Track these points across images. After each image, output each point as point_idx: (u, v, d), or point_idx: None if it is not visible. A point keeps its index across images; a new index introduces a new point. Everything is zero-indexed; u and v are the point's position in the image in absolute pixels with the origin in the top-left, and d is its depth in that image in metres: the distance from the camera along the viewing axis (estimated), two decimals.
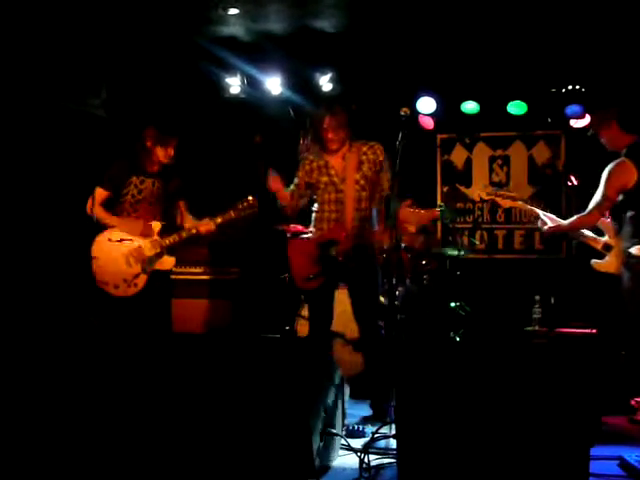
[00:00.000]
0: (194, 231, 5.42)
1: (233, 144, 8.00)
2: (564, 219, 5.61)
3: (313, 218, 5.33)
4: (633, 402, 5.67)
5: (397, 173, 4.74)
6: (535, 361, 3.73)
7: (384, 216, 4.90)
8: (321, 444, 3.92)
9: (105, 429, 3.73)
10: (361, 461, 3.99)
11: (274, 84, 7.79)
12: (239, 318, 7.10)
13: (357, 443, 4.39)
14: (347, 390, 4.41)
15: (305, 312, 6.42)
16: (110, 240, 5.32)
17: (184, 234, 5.41)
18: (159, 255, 5.35)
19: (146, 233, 5.35)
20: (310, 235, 5.31)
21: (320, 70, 7.69)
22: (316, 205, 5.31)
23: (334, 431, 4.08)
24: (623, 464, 4.09)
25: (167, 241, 5.36)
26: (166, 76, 7.73)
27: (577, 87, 7.56)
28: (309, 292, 5.30)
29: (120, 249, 5.29)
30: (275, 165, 7.50)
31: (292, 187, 5.29)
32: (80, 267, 5.50)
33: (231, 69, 7.78)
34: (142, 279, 5.26)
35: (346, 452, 4.28)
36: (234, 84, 7.85)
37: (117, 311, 5.27)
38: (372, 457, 4.09)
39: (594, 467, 3.77)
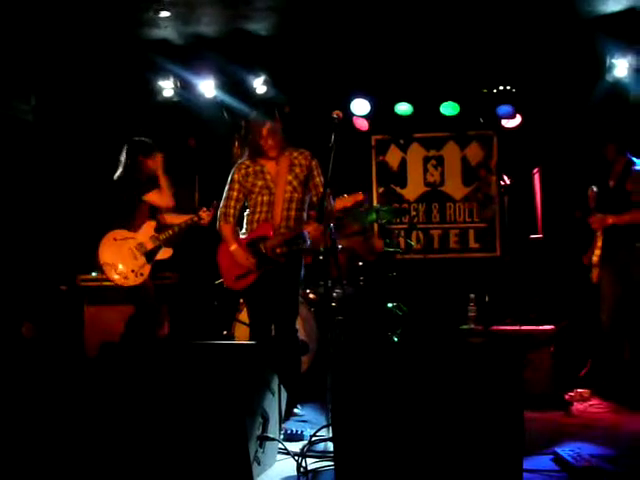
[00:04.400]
0: (183, 225, 6.25)
1: (167, 148, 7.91)
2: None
3: (245, 221, 5.37)
4: (567, 397, 5.80)
5: (330, 175, 4.77)
6: (470, 359, 3.76)
7: (319, 217, 4.92)
8: (259, 449, 3.90)
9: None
10: (299, 465, 3.98)
11: (207, 87, 7.74)
12: (175, 323, 7.04)
13: (295, 447, 4.38)
14: (285, 394, 4.39)
15: (242, 316, 6.40)
16: (115, 239, 6.11)
17: (177, 228, 6.23)
18: (159, 247, 6.16)
19: (144, 231, 6.16)
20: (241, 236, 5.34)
21: (254, 72, 7.67)
22: (248, 209, 5.36)
23: (271, 436, 4.07)
24: (557, 459, 4.16)
25: (163, 235, 6.18)
26: (97, 80, 7.61)
27: (508, 87, 7.67)
28: (243, 293, 5.38)
29: (126, 245, 6.09)
30: (209, 167, 7.51)
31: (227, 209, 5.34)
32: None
33: (164, 72, 7.70)
34: (147, 268, 6.10)
35: (284, 456, 4.27)
36: (167, 87, 7.78)
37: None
38: (310, 460, 4.09)
39: (528, 463, 3.84)
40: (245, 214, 5.38)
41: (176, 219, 6.29)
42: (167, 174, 6.21)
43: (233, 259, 5.22)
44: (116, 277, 6.05)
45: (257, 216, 5.27)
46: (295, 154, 5.31)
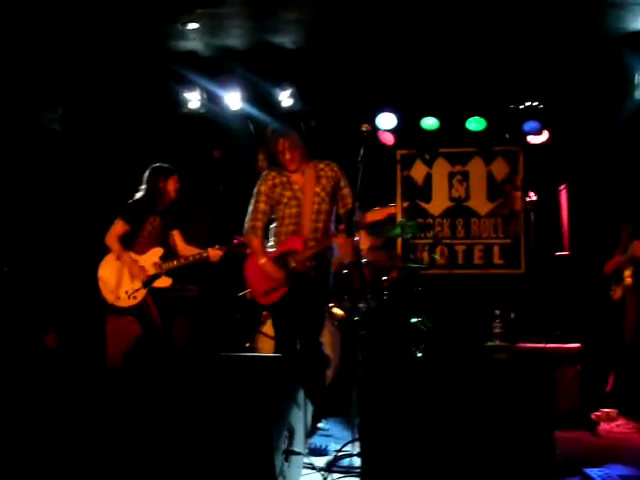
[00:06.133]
0: (191, 259, 6.07)
1: (192, 159, 7.93)
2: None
3: (272, 233, 5.32)
4: (594, 416, 5.72)
5: (359, 189, 4.74)
6: (496, 377, 3.72)
7: (348, 230, 4.89)
8: (284, 463, 3.86)
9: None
10: None
11: (234, 99, 7.74)
12: (197, 336, 7.02)
13: (321, 461, 4.34)
14: (311, 408, 4.35)
15: (266, 329, 6.37)
16: (119, 258, 5.96)
17: (182, 260, 6.06)
18: (158, 275, 6.00)
19: (149, 257, 6.03)
20: (269, 250, 5.27)
21: (280, 86, 7.67)
22: (275, 221, 5.30)
23: (297, 450, 4.03)
24: (586, 479, 4.10)
25: (166, 265, 6.02)
26: (125, 90, 7.64)
27: (535, 103, 7.63)
28: (272, 307, 5.28)
29: (124, 265, 5.95)
30: (234, 179, 7.50)
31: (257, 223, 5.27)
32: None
33: (190, 84, 7.72)
34: (141, 293, 5.94)
35: (309, 471, 4.23)
36: (193, 99, 7.78)
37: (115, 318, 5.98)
38: (336, 476, 4.05)
39: None
40: (272, 226, 5.32)
41: (187, 250, 6.18)
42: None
43: (262, 273, 5.15)
44: (108, 294, 5.95)
45: (285, 229, 5.22)
46: (321, 165, 5.27)
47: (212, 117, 7.98)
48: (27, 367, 6.15)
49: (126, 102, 7.72)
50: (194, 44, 7.14)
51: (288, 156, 5.16)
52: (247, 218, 5.29)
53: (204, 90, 7.80)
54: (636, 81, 7.06)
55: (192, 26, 6.65)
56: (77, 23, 6.51)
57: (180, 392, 3.90)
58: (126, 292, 5.92)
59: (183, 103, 7.82)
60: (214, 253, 6.03)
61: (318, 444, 4.70)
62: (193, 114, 7.89)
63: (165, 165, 6.07)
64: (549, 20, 6.52)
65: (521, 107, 7.71)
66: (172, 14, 6.38)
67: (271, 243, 5.31)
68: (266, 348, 6.32)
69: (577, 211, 7.75)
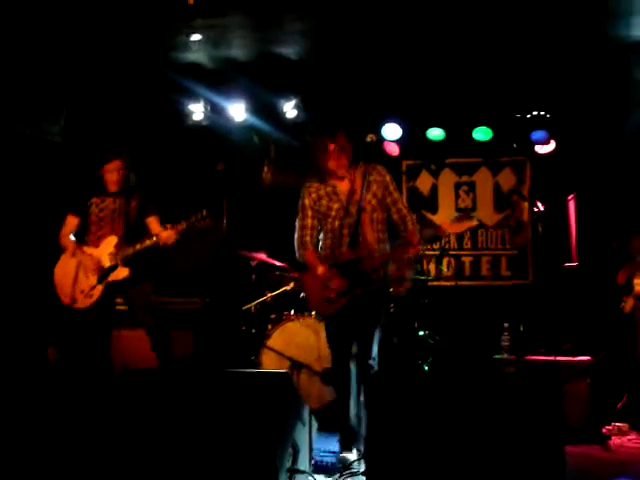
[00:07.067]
0: (148, 242, 5.50)
1: (196, 171, 7.90)
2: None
3: (321, 246, 5.08)
4: (605, 430, 5.63)
5: None
6: (504, 390, 3.65)
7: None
8: None
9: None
10: None
11: (238, 111, 7.72)
12: (201, 349, 6.94)
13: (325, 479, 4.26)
14: (315, 424, 4.28)
15: (271, 342, 6.31)
16: (74, 254, 5.60)
17: (138, 246, 5.50)
18: (114, 267, 5.52)
19: (104, 247, 5.57)
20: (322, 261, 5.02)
21: (284, 96, 7.64)
22: (323, 233, 5.07)
23: (302, 468, 3.95)
24: None
25: (122, 253, 5.52)
26: (128, 102, 7.62)
27: (542, 113, 7.58)
28: (331, 317, 5.02)
29: (79, 262, 5.57)
30: (238, 192, 7.45)
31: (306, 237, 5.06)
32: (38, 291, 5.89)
33: (194, 95, 7.69)
34: (98, 290, 5.49)
35: None
36: (197, 111, 7.76)
37: (77, 324, 5.63)
38: None
39: None
40: (320, 238, 5.09)
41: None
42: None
43: (322, 283, 4.91)
44: (63, 297, 5.58)
45: (337, 240, 4.97)
46: (369, 169, 4.98)
47: (216, 129, 7.94)
48: (30, 379, 6.07)
49: (129, 114, 7.69)
50: (198, 56, 7.10)
51: (338, 161, 4.90)
52: (296, 235, 5.07)
53: (208, 102, 7.77)
54: None
55: (195, 37, 6.62)
56: (81, 34, 6.51)
57: (184, 408, 3.84)
58: (82, 291, 5.52)
59: (187, 115, 7.80)
60: (165, 235, 5.47)
61: (324, 461, 4.60)
62: (197, 126, 7.86)
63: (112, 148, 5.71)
64: (556, 29, 6.49)
65: (528, 117, 7.65)
66: (176, 25, 6.35)
67: (323, 254, 5.06)
68: (271, 362, 6.25)
69: (585, 221, 7.68)
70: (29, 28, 6.26)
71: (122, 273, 5.53)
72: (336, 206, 4.97)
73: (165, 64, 7.23)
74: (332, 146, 4.86)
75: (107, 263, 5.51)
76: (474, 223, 5.02)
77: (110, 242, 5.56)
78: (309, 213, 5.02)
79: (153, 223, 5.67)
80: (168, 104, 7.74)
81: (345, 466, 4.27)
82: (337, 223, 4.97)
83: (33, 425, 4.67)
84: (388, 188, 5.03)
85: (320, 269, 4.91)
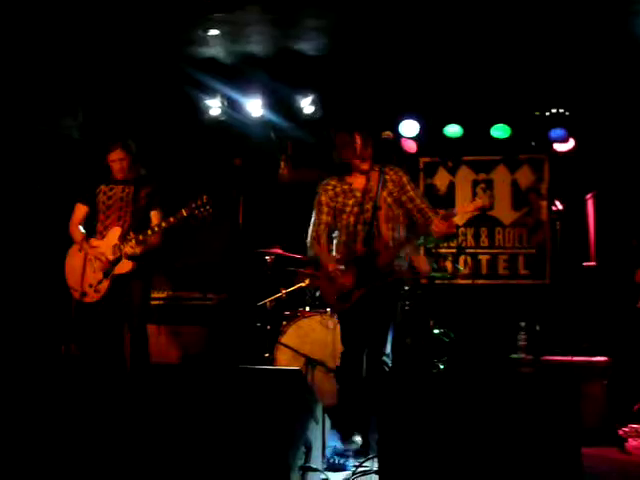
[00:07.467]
0: (150, 232, 5.44)
1: (213, 167, 7.89)
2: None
3: (337, 243, 5.05)
4: (621, 432, 5.57)
5: None
6: (521, 390, 3.61)
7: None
8: None
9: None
10: None
11: (255, 106, 7.70)
12: (215, 346, 6.93)
13: (338, 477, 4.25)
14: (328, 422, 4.26)
15: (285, 339, 6.29)
16: (81, 249, 5.62)
17: (141, 237, 5.43)
18: (118, 260, 5.47)
19: (108, 239, 5.54)
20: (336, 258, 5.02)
21: (302, 92, 7.62)
22: (338, 230, 5.06)
23: (314, 466, 3.93)
24: None
25: (125, 246, 5.46)
26: (145, 97, 7.63)
27: (561, 110, 7.51)
28: (343, 313, 5.04)
29: (86, 256, 5.56)
30: (255, 188, 7.45)
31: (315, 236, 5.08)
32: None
33: (211, 91, 7.69)
34: (104, 285, 5.47)
35: None
36: (214, 106, 7.76)
37: (88, 319, 5.57)
38: None
39: None
40: (334, 235, 5.08)
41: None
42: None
43: (334, 279, 4.91)
44: (73, 292, 5.57)
45: (353, 237, 4.97)
46: (386, 169, 5.00)
47: (233, 124, 7.93)
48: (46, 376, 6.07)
49: (146, 109, 7.70)
50: (215, 51, 7.11)
51: (363, 154, 4.93)
52: (310, 230, 5.12)
53: (225, 97, 7.76)
54: None
55: (213, 32, 6.62)
56: (98, 30, 6.53)
57: (197, 404, 3.82)
58: (90, 286, 5.50)
59: (204, 110, 7.79)
60: (159, 227, 5.41)
61: (336, 460, 4.59)
62: (214, 121, 7.85)
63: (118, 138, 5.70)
64: (576, 26, 6.44)
65: (547, 114, 7.59)
66: (191, 20, 6.35)
67: (334, 254, 5.06)
68: (285, 359, 6.24)
69: (604, 220, 7.60)
70: (46, 25, 6.27)
71: (126, 266, 5.48)
72: (351, 202, 5.00)
73: (183, 59, 7.24)
74: (359, 139, 4.89)
75: (111, 256, 5.47)
76: (480, 204, 4.88)
77: (114, 233, 5.52)
78: (324, 210, 5.06)
79: (154, 216, 5.61)
80: (186, 99, 7.74)
81: (358, 464, 4.24)
82: (352, 219, 4.98)
83: (46, 421, 4.67)
84: (405, 187, 5.03)
85: (331, 265, 4.92)
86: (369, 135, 4.96)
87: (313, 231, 5.09)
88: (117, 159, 5.60)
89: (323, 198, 5.07)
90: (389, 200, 4.98)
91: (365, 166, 5.00)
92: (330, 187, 5.07)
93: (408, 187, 5.04)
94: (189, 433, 3.71)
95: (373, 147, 4.99)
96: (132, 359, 5.48)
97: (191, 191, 7.52)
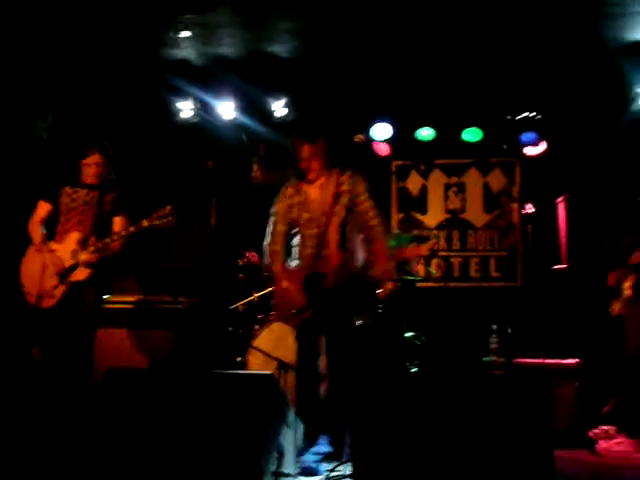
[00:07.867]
0: (108, 240, 5.30)
1: (185, 169, 7.84)
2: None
3: (294, 252, 5.12)
4: (592, 434, 5.60)
5: None
6: (493, 393, 3.62)
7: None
8: None
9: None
10: None
11: (227, 108, 7.68)
12: (186, 350, 6.87)
13: None
14: (301, 427, 4.24)
15: (257, 343, 6.26)
16: (39, 251, 5.36)
17: (100, 244, 5.29)
18: (74, 267, 5.30)
19: (67, 243, 5.35)
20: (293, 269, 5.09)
21: (274, 95, 7.60)
22: (296, 239, 5.11)
23: (287, 471, 3.91)
24: None
25: (83, 254, 5.29)
26: (117, 99, 7.57)
27: (532, 114, 7.56)
28: (297, 328, 5.09)
29: (43, 259, 5.30)
30: (227, 190, 7.40)
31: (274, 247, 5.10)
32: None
33: (183, 93, 7.65)
34: (60, 290, 5.27)
35: None
36: (186, 108, 7.72)
37: (44, 325, 5.33)
38: None
39: None
40: (293, 243, 5.14)
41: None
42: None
43: (286, 296, 4.98)
44: (28, 295, 5.31)
45: (309, 250, 4.99)
46: (342, 179, 4.98)
47: (205, 127, 7.89)
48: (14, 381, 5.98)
49: (118, 111, 7.63)
50: (187, 53, 7.10)
51: (309, 165, 4.96)
52: (266, 241, 5.14)
53: (197, 99, 7.73)
54: (634, 92, 6.99)
55: (185, 34, 6.59)
56: (69, 31, 6.49)
57: (168, 409, 3.79)
58: (45, 291, 5.26)
59: (176, 112, 7.75)
60: (117, 237, 5.30)
61: (310, 464, 4.57)
62: (186, 123, 7.81)
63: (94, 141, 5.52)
64: (547, 30, 6.50)
65: (518, 118, 7.63)
66: (162, 21, 6.32)
67: (295, 262, 5.11)
68: (257, 363, 6.20)
69: (575, 223, 7.66)
70: (17, 25, 6.21)
71: (82, 274, 5.32)
72: (306, 216, 5.02)
73: (154, 61, 7.21)
74: (307, 150, 4.93)
75: (68, 262, 5.30)
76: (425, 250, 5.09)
77: (73, 238, 5.35)
78: (280, 220, 5.09)
79: (117, 222, 5.45)
80: (157, 101, 7.70)
81: (331, 469, 4.22)
82: (307, 232, 5.01)
83: (16, 426, 4.61)
84: (358, 198, 5.00)
85: (285, 283, 4.99)
86: (323, 148, 4.98)
87: (269, 244, 5.12)
88: (93, 163, 5.42)
89: (279, 208, 5.09)
90: (342, 214, 4.95)
91: (312, 175, 5.00)
92: (288, 196, 5.08)
93: (362, 197, 5.02)
94: (159, 439, 3.68)
95: (326, 159, 5.00)
96: (75, 366, 5.31)
97: (163, 194, 7.52)
